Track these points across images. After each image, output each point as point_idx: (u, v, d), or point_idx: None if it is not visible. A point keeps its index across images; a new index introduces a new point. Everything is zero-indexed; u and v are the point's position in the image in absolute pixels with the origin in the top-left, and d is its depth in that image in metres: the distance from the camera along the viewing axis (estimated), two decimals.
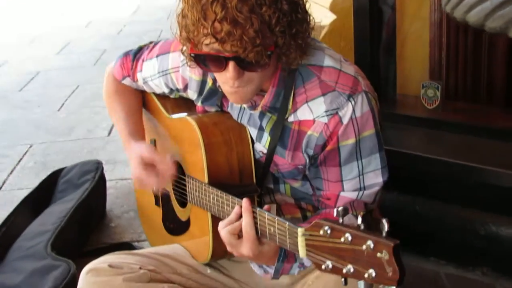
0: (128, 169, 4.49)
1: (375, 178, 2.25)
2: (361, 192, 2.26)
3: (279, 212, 2.47)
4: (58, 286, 3.03)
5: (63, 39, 9.30)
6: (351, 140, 2.18)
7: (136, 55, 2.69)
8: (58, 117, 6.23)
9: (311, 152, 2.24)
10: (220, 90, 2.36)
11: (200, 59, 2.12)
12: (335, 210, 1.73)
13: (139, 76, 2.67)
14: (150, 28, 9.32)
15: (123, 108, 2.74)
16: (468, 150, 3.42)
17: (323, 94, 2.17)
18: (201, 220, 2.48)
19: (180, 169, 2.59)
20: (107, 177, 4.35)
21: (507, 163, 3.22)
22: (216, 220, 2.30)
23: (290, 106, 2.23)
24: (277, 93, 2.23)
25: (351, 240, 1.65)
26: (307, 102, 2.20)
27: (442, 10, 3.49)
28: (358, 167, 2.22)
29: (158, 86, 2.63)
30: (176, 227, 2.72)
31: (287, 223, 1.93)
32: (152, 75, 2.61)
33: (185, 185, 2.53)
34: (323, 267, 1.75)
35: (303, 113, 2.22)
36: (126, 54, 2.73)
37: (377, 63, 3.81)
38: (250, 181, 2.40)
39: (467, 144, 3.48)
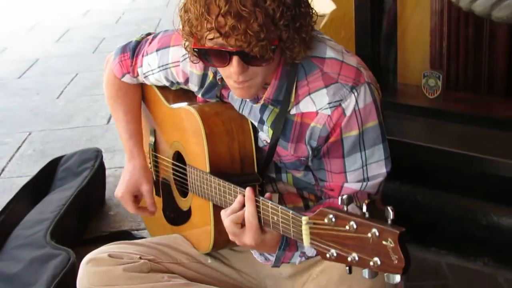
0: None
1: (379, 169, 2.25)
2: (364, 183, 2.25)
3: (281, 201, 2.45)
4: (58, 275, 3.02)
5: (62, 27, 9.29)
6: (354, 132, 2.17)
7: (134, 50, 2.67)
8: (57, 105, 6.22)
9: (314, 144, 2.24)
10: (220, 83, 2.35)
11: (203, 54, 2.10)
12: (339, 198, 1.72)
13: (139, 71, 2.66)
14: (149, 16, 9.30)
15: (125, 112, 2.76)
16: (469, 140, 3.41)
17: (326, 86, 2.16)
18: (203, 210, 2.47)
19: (180, 159, 2.59)
20: (106, 165, 4.34)
21: (508, 152, 3.22)
22: (217, 210, 2.29)
23: (292, 99, 2.22)
24: (279, 85, 2.22)
25: (356, 228, 1.64)
26: (309, 94, 2.19)
27: None
28: (362, 158, 2.22)
29: (158, 80, 2.62)
30: (177, 217, 2.71)
31: (291, 211, 1.92)
32: (152, 70, 2.59)
33: (186, 175, 2.52)
34: (327, 255, 1.75)
35: (305, 105, 2.21)
36: (124, 50, 2.71)
37: (378, 52, 3.80)
38: (252, 170, 2.39)
39: (468, 134, 3.47)
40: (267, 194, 2.10)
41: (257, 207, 2.07)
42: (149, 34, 2.70)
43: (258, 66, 2.06)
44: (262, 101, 2.27)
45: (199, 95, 2.51)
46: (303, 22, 2.07)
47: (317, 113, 2.18)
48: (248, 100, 2.33)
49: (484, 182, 3.29)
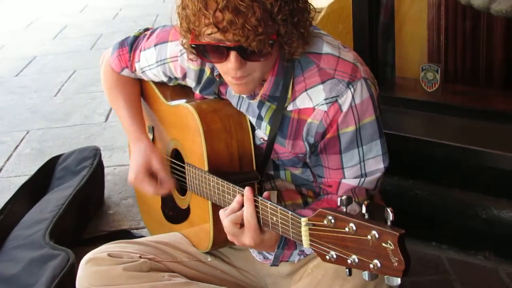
0: (126, 155, 4.51)
1: (376, 165, 2.24)
2: (362, 179, 2.24)
3: (280, 199, 2.45)
4: (57, 276, 3.01)
5: (59, 24, 9.26)
6: (351, 128, 2.17)
7: (132, 45, 2.66)
8: (54, 103, 6.20)
9: (311, 140, 2.23)
10: (218, 79, 2.34)
11: (201, 50, 2.10)
12: (338, 199, 1.72)
13: (137, 66, 2.65)
14: (146, 12, 9.28)
15: (125, 100, 2.73)
16: (468, 133, 3.41)
17: (322, 82, 2.16)
18: (201, 209, 2.46)
19: (179, 157, 2.58)
20: (105, 163, 4.32)
21: (507, 145, 3.21)
22: (216, 208, 2.29)
23: (289, 95, 2.21)
24: (276, 81, 2.21)
25: (356, 230, 1.64)
26: (306, 90, 2.19)
27: None
28: (359, 154, 2.21)
29: (156, 75, 2.61)
30: (175, 215, 2.70)
31: (290, 212, 1.92)
32: (150, 65, 2.58)
33: (184, 173, 2.51)
34: (327, 257, 1.74)
35: (302, 102, 2.21)
36: (122, 45, 2.70)
37: (376, 46, 3.79)
38: (250, 168, 2.38)
39: (467, 127, 3.47)
40: (265, 193, 2.09)
41: (256, 207, 2.06)
42: (147, 29, 2.70)
43: (256, 61, 2.06)
44: (258, 98, 2.27)
45: (197, 92, 2.51)
46: (301, 17, 2.07)
47: (313, 109, 2.18)
48: (245, 96, 2.32)
49: (483, 176, 3.28)
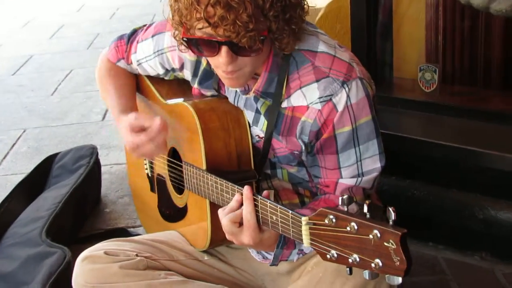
0: (123, 153, 4.52)
1: (373, 164, 2.24)
2: (359, 179, 2.24)
3: (277, 198, 2.45)
4: (54, 273, 3.01)
5: (56, 23, 9.25)
6: (348, 128, 2.16)
7: (130, 37, 2.67)
8: (51, 102, 6.19)
9: (306, 138, 2.23)
10: (215, 72, 2.34)
11: (192, 44, 2.10)
12: (339, 198, 1.72)
13: (133, 58, 2.64)
14: (143, 12, 9.27)
15: (115, 88, 2.67)
16: (465, 134, 3.41)
17: (317, 80, 2.15)
18: (199, 207, 2.46)
19: (176, 156, 2.57)
20: (101, 162, 4.32)
21: (505, 146, 3.21)
22: (214, 207, 2.28)
23: (283, 92, 2.21)
24: (269, 77, 2.21)
25: (357, 229, 1.63)
26: (300, 88, 2.19)
27: None
28: (356, 154, 2.21)
29: (152, 67, 2.60)
30: (172, 213, 2.70)
31: (290, 211, 1.91)
32: (147, 56, 2.58)
33: (182, 172, 2.51)
34: (328, 256, 1.74)
35: (296, 99, 2.20)
36: (121, 37, 2.71)
37: (374, 46, 3.79)
38: (249, 166, 2.38)
39: (464, 128, 3.47)
40: (265, 192, 2.08)
41: (256, 206, 2.05)
42: (145, 25, 2.69)
43: (247, 56, 2.06)
44: (252, 93, 2.27)
45: (195, 85, 2.50)
46: (293, 13, 2.07)
47: (307, 107, 2.18)
48: (238, 91, 2.32)
49: (481, 176, 3.28)
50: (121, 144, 4.78)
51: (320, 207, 2.14)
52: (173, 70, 2.54)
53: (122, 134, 2.44)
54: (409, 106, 3.70)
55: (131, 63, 2.67)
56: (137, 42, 2.61)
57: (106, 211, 4.05)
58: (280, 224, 1.97)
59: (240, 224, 2.09)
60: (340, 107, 2.13)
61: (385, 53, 3.87)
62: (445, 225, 3.37)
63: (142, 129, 2.35)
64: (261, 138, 2.33)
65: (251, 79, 2.22)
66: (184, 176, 2.49)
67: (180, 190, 2.61)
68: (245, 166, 2.37)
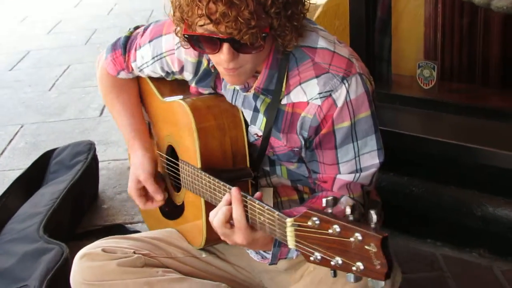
0: (120, 149, 4.53)
1: (371, 160, 2.23)
2: (357, 174, 2.24)
3: (276, 195, 2.45)
4: (51, 270, 3.00)
5: (54, 19, 9.23)
6: (346, 123, 2.16)
7: (125, 47, 2.64)
8: (49, 97, 6.18)
9: (305, 134, 2.23)
10: (213, 71, 2.33)
11: (194, 40, 2.09)
12: (324, 200, 1.70)
13: (133, 65, 2.63)
14: (141, 8, 9.25)
15: (123, 104, 2.72)
16: (464, 131, 3.41)
17: (317, 76, 2.15)
18: (195, 206, 2.46)
19: (173, 153, 2.56)
20: (99, 157, 4.32)
21: (503, 143, 3.21)
22: (209, 205, 2.28)
23: (283, 88, 2.20)
24: (270, 74, 2.20)
25: (340, 231, 1.62)
26: (300, 84, 2.18)
27: None
28: (354, 149, 2.21)
29: (153, 71, 2.59)
30: (171, 211, 2.69)
31: (276, 212, 1.90)
32: (147, 62, 2.57)
33: (178, 170, 2.50)
34: (311, 258, 1.73)
35: (296, 95, 2.20)
36: (115, 47, 2.68)
37: (372, 42, 3.78)
38: (244, 165, 2.38)
39: (463, 125, 3.47)
40: (257, 194, 2.07)
41: (245, 206, 2.05)
42: (137, 27, 2.68)
43: (248, 53, 2.05)
44: (252, 90, 2.26)
45: (193, 84, 2.49)
46: (295, 9, 2.06)
47: (307, 103, 2.17)
48: (239, 89, 2.31)
49: (479, 173, 3.28)
50: (119, 140, 4.79)
51: (317, 205, 2.15)
52: (173, 73, 2.54)
53: (131, 172, 2.62)
54: (408, 103, 3.69)
55: (132, 70, 2.67)
56: (135, 50, 2.60)
57: (103, 207, 4.05)
58: (267, 224, 1.96)
59: (232, 225, 2.08)
60: (339, 103, 2.13)
61: (383, 49, 3.86)
62: (443, 222, 3.36)
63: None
64: (260, 136, 2.33)
65: (251, 76, 2.22)
66: (181, 174, 2.49)
67: (178, 188, 2.61)
68: (241, 164, 2.37)
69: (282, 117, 2.24)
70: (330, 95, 2.13)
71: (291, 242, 1.81)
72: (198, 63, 2.41)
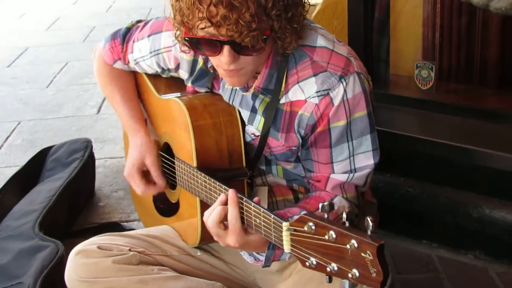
0: (117, 147, 4.52)
1: (366, 160, 2.24)
2: (351, 175, 2.24)
3: (271, 194, 2.45)
4: (46, 267, 2.99)
5: (52, 16, 9.22)
6: (342, 122, 2.16)
7: (125, 37, 2.65)
8: (46, 94, 6.17)
9: (302, 132, 2.23)
10: (211, 71, 2.33)
11: (194, 43, 2.09)
12: (320, 205, 1.69)
13: (130, 57, 2.63)
14: (139, 5, 9.25)
15: (122, 95, 2.71)
16: (461, 132, 3.40)
17: (315, 75, 2.15)
18: (190, 204, 2.45)
19: (169, 151, 2.56)
20: (96, 155, 4.31)
21: (500, 145, 3.20)
22: (204, 204, 2.28)
23: (283, 88, 2.20)
24: (270, 74, 2.20)
25: (336, 238, 1.61)
26: (298, 82, 2.18)
27: None
28: (349, 148, 2.21)
29: (149, 66, 2.59)
30: (166, 208, 2.69)
31: (272, 215, 1.90)
32: (143, 56, 2.57)
33: (174, 168, 2.50)
34: (307, 263, 1.73)
35: (294, 94, 2.20)
36: (114, 36, 2.68)
37: (371, 42, 3.77)
38: (240, 164, 2.37)
39: (460, 126, 3.46)
40: (256, 199, 2.06)
41: (241, 208, 2.04)
42: (139, 21, 2.68)
43: (249, 55, 2.05)
44: (252, 90, 2.26)
45: (189, 84, 2.49)
46: (295, 11, 2.06)
47: (305, 101, 2.17)
48: (238, 89, 2.31)
49: (476, 174, 3.28)
50: (115, 138, 4.78)
51: (310, 205, 2.14)
52: (169, 70, 2.54)
53: (130, 157, 2.58)
54: (405, 103, 3.69)
55: (128, 62, 2.67)
56: (133, 42, 2.60)
57: (100, 205, 4.04)
58: (263, 227, 1.96)
59: (226, 226, 2.08)
60: (336, 101, 2.13)
61: (381, 49, 3.86)
62: (439, 223, 3.36)
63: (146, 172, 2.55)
64: (257, 136, 2.33)
65: (252, 77, 2.22)
66: (176, 173, 2.48)
67: (173, 185, 2.61)
68: (237, 164, 2.36)
69: (280, 117, 2.24)
70: (328, 93, 2.13)
71: (286, 246, 1.80)
72: (194, 62, 2.41)
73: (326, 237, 1.63)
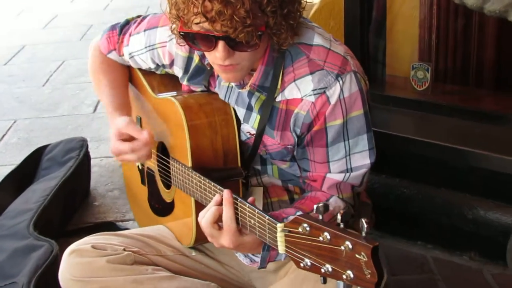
0: None
1: (362, 160, 2.23)
2: (347, 174, 2.23)
3: (266, 195, 2.44)
4: (40, 267, 2.99)
5: (49, 14, 9.21)
6: (339, 121, 2.16)
7: (123, 29, 2.65)
8: (43, 93, 6.16)
9: (298, 131, 2.23)
10: (208, 68, 2.33)
11: (189, 38, 2.09)
12: (314, 206, 1.69)
13: (125, 50, 2.63)
14: (137, 4, 9.23)
15: (109, 82, 2.68)
16: (457, 133, 3.40)
17: (311, 73, 2.15)
18: (185, 204, 2.45)
19: (165, 150, 2.56)
20: (91, 154, 4.30)
21: (496, 146, 3.20)
22: (199, 204, 2.27)
23: (279, 86, 2.20)
24: (266, 71, 2.20)
25: (330, 239, 1.61)
26: (295, 80, 2.18)
27: None
28: (345, 147, 2.20)
29: (144, 61, 2.59)
30: (161, 208, 2.69)
31: (267, 216, 1.89)
32: (138, 50, 2.57)
33: (169, 167, 2.49)
34: (301, 264, 1.73)
35: (291, 92, 2.20)
36: (113, 27, 2.69)
37: (367, 43, 3.78)
38: (235, 164, 2.37)
39: (456, 127, 3.46)
40: (250, 199, 2.07)
41: (235, 209, 2.04)
42: (140, 16, 2.67)
43: (244, 51, 2.05)
44: (248, 87, 2.25)
45: (184, 82, 2.49)
46: (291, 8, 2.06)
47: (301, 99, 2.17)
48: (234, 86, 2.30)
49: (471, 176, 3.28)
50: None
51: (305, 206, 2.14)
52: (163, 66, 2.53)
53: (111, 136, 2.45)
54: (401, 104, 3.69)
55: (123, 55, 2.66)
56: (130, 35, 2.60)
57: (95, 204, 4.04)
58: (257, 228, 1.96)
59: (220, 226, 2.07)
60: (333, 100, 2.13)
61: (378, 50, 3.86)
62: (434, 224, 3.36)
63: (129, 137, 2.39)
64: (252, 135, 2.33)
65: (247, 74, 2.21)
66: (171, 172, 2.48)
67: (168, 185, 2.60)
68: (232, 163, 2.36)
69: (276, 115, 2.24)
70: (324, 92, 2.13)
71: (281, 247, 1.80)
72: (189, 59, 2.41)
73: (321, 238, 1.63)
